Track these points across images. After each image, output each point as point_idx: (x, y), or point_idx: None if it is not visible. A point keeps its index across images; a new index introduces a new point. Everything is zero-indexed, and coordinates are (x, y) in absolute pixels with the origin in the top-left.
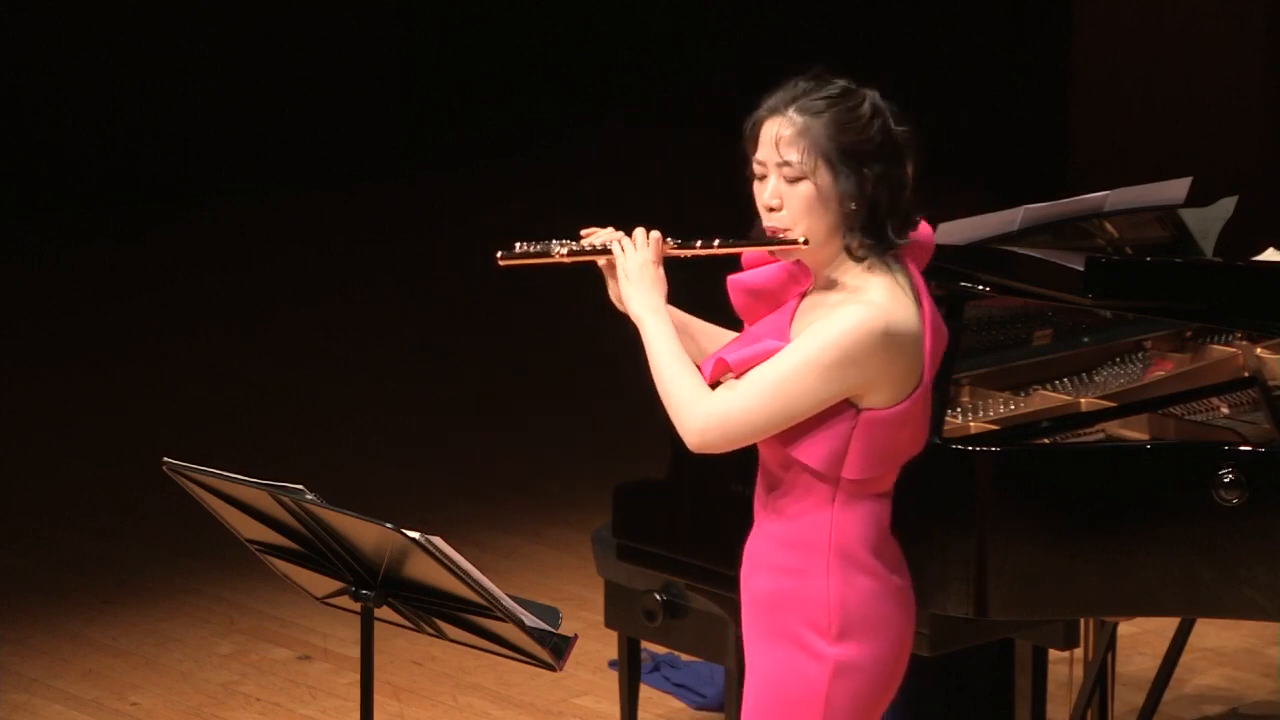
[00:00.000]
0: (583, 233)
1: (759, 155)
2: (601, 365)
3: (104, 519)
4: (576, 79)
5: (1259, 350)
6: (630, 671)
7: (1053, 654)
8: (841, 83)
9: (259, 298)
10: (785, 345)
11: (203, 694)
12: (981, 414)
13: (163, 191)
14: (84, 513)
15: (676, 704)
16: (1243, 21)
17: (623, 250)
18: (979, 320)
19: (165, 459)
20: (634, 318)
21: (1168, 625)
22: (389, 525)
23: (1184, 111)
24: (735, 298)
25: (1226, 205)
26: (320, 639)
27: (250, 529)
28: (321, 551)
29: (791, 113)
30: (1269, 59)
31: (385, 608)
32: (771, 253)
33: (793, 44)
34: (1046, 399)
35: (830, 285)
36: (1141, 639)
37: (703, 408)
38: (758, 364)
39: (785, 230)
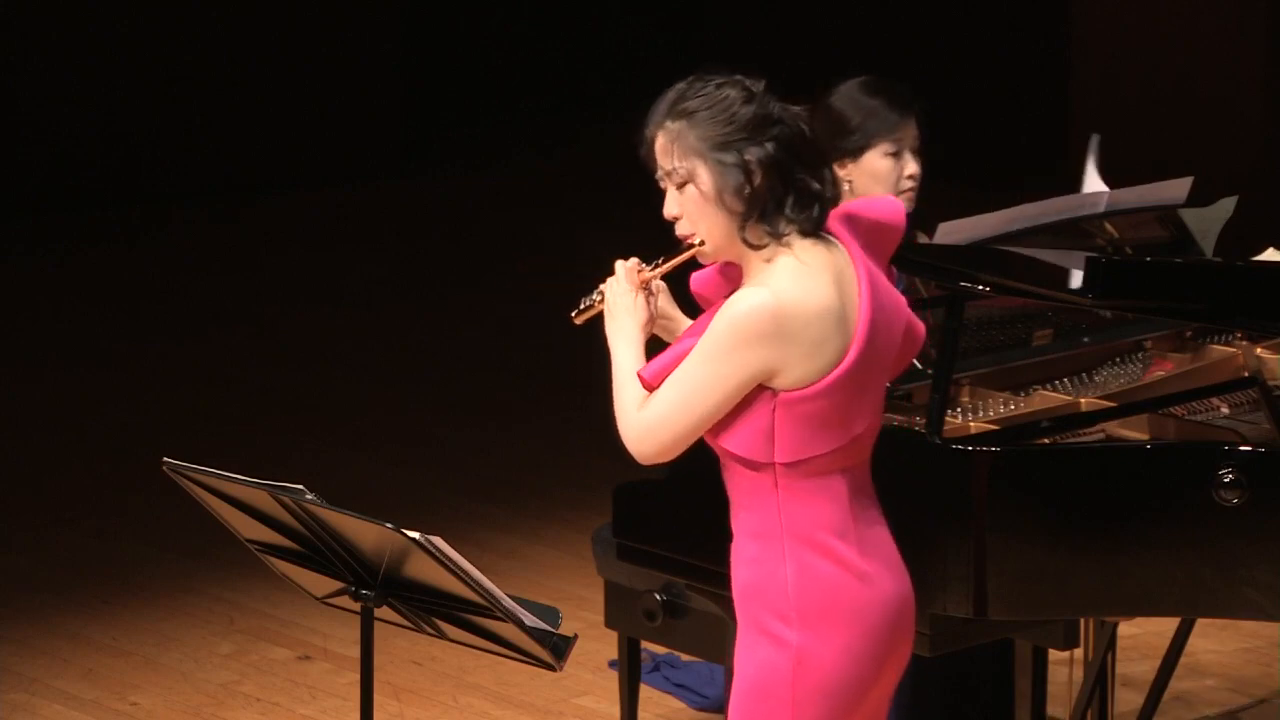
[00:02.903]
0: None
1: (656, 172)
2: (602, 365)
3: (104, 519)
4: (578, 78)
5: (1259, 350)
6: (630, 671)
7: (1053, 654)
8: (718, 78)
9: (258, 298)
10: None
11: (203, 694)
12: (981, 414)
13: (163, 191)
14: (84, 513)
15: (676, 704)
16: (1243, 21)
17: (608, 284)
18: (979, 320)
19: (165, 459)
20: (610, 346)
21: (1168, 626)
22: (389, 525)
23: (1184, 111)
24: (700, 303)
25: (1226, 205)
26: (320, 639)
27: (250, 529)
28: (321, 551)
29: (667, 122)
30: (1269, 59)
31: (385, 608)
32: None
33: (794, 44)
34: (1046, 399)
35: (747, 280)
36: (1141, 640)
37: (633, 421)
38: (673, 369)
39: (690, 236)
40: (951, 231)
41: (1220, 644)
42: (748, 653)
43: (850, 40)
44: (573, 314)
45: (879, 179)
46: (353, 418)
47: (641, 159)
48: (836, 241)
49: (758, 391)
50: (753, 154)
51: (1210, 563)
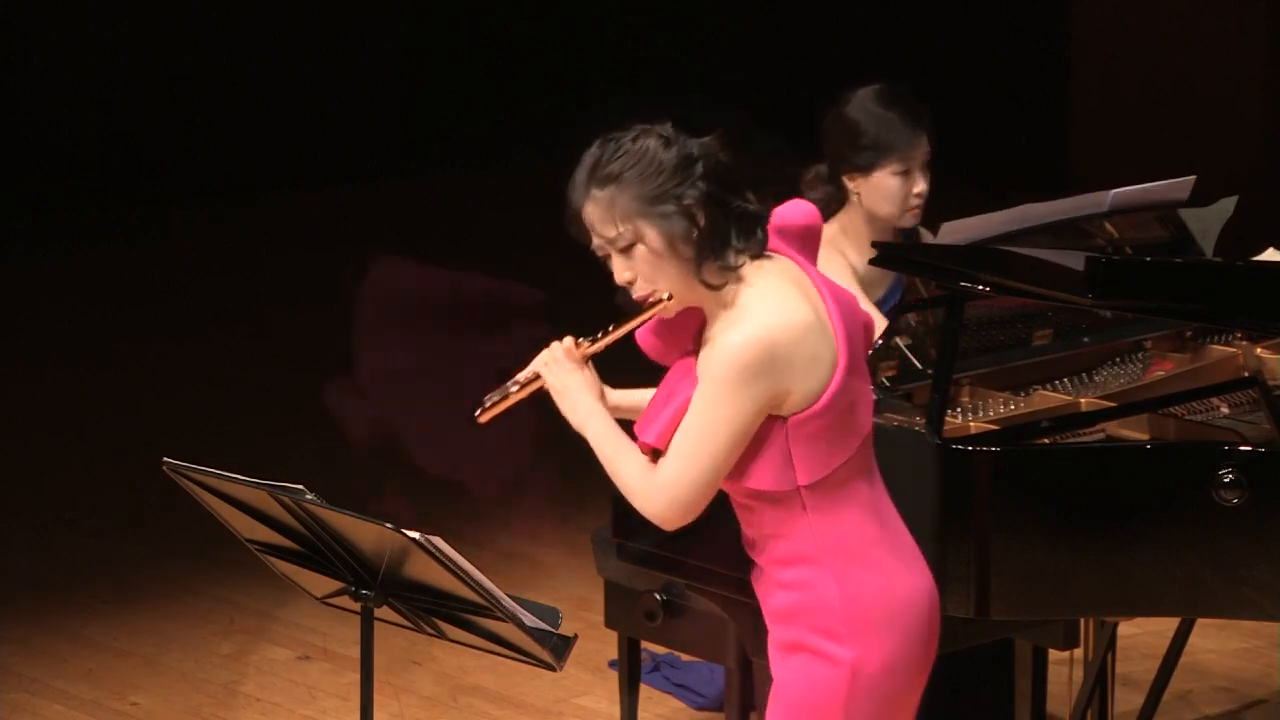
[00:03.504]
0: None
1: (593, 244)
2: (601, 365)
3: (104, 519)
4: (578, 78)
5: (1259, 350)
6: (630, 671)
7: (1053, 654)
8: (627, 134)
9: (258, 298)
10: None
11: (203, 694)
12: (981, 414)
13: (163, 191)
14: (84, 513)
15: (676, 704)
16: (1243, 21)
17: (547, 368)
18: (979, 320)
19: (165, 459)
20: (576, 428)
21: (1168, 625)
22: (389, 525)
23: (1184, 111)
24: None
25: (1226, 205)
26: (320, 639)
27: (250, 529)
28: (321, 551)
29: (594, 191)
30: (1269, 59)
31: (385, 608)
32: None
33: (794, 44)
34: (1046, 399)
35: (715, 319)
36: (1141, 639)
37: (651, 489)
38: (675, 426)
39: (651, 294)
40: (954, 231)
41: (1220, 644)
42: (793, 673)
43: (850, 40)
44: (477, 412)
45: (886, 196)
46: None
47: (573, 234)
48: (777, 256)
49: (767, 423)
50: (690, 196)
51: (1210, 563)
